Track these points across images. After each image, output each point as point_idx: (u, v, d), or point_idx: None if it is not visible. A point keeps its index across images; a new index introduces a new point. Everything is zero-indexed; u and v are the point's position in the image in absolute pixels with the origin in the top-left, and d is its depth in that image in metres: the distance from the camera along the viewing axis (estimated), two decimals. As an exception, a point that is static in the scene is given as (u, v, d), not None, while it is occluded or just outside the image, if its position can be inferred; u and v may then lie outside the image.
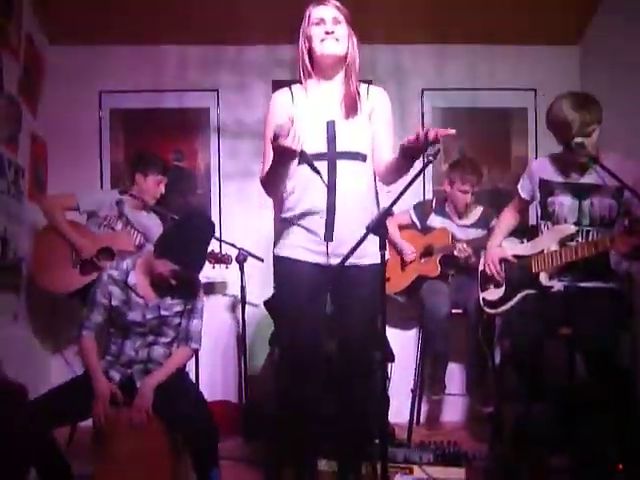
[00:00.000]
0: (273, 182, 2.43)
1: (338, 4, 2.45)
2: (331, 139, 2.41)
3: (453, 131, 2.05)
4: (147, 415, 2.59)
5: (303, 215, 2.44)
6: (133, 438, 2.57)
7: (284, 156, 2.23)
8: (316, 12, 2.44)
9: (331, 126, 2.42)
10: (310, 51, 2.46)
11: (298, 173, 2.44)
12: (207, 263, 3.74)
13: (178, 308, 2.82)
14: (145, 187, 3.68)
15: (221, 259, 3.81)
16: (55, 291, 3.53)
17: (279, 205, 2.59)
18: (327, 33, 2.40)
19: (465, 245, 3.66)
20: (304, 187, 2.44)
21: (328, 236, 2.41)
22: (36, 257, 3.57)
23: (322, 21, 2.42)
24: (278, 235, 2.57)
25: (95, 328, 2.77)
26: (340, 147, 2.41)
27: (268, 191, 2.51)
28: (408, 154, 2.20)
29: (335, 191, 2.39)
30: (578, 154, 2.80)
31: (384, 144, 2.50)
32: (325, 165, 2.39)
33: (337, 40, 2.41)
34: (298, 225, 2.46)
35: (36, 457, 2.52)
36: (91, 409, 2.58)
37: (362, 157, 2.45)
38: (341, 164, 2.40)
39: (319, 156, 2.39)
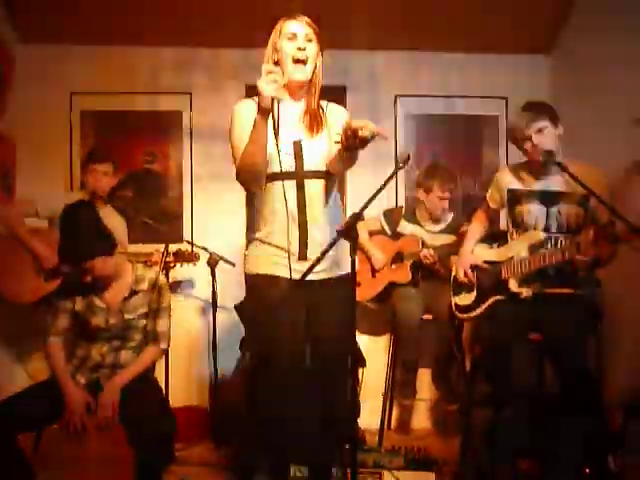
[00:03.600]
0: (253, 156, 2.32)
1: (310, 21, 2.44)
2: (299, 158, 2.42)
3: (386, 135, 2.08)
4: (113, 415, 2.56)
5: (274, 234, 2.44)
6: (98, 443, 2.54)
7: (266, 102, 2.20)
8: (289, 27, 2.42)
9: (297, 146, 2.43)
10: (277, 63, 2.42)
11: (268, 194, 2.45)
12: (175, 263, 3.75)
13: (142, 310, 2.78)
14: (92, 180, 3.61)
15: (187, 258, 3.79)
16: (20, 301, 3.44)
17: (250, 224, 2.56)
18: (299, 49, 2.39)
19: (431, 251, 3.69)
20: (274, 207, 2.43)
21: (302, 255, 2.42)
22: None
23: (294, 36, 2.41)
24: (249, 256, 2.54)
25: (62, 333, 2.74)
26: (307, 166, 2.43)
27: (247, 176, 2.39)
28: (347, 149, 2.18)
29: (305, 210, 2.41)
30: (546, 162, 2.87)
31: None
32: (294, 185, 2.41)
33: (305, 62, 2.40)
34: (269, 244, 2.46)
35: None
36: (57, 415, 2.55)
37: (327, 175, 2.46)
38: (308, 183, 2.42)
39: (287, 175, 2.40)
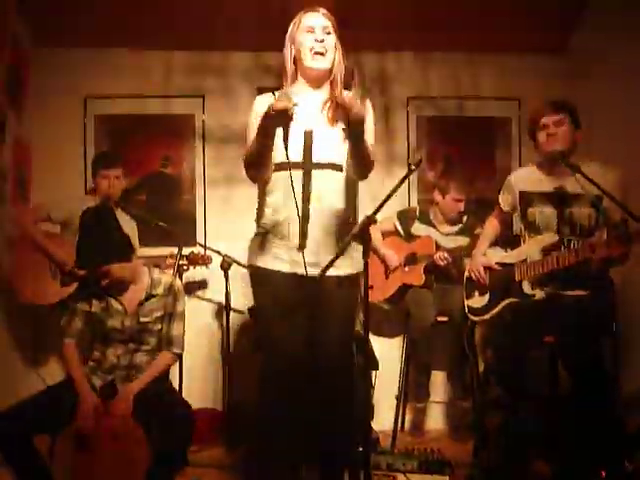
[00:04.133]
0: (256, 155, 2.38)
1: (327, 13, 2.47)
2: (307, 149, 2.42)
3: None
4: (126, 420, 2.57)
5: (278, 225, 2.46)
6: (113, 446, 2.56)
7: (274, 120, 2.24)
8: (307, 19, 2.46)
9: (308, 136, 2.43)
10: (296, 57, 2.48)
11: (275, 184, 2.46)
12: (188, 266, 3.78)
13: (158, 313, 2.80)
14: (105, 185, 3.63)
15: (199, 260, 3.80)
16: (37, 304, 3.47)
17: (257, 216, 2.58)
18: (317, 41, 2.41)
19: (445, 253, 3.68)
20: (280, 198, 2.45)
21: (301, 244, 2.42)
22: (15, 268, 3.51)
23: (312, 29, 2.44)
24: (253, 246, 2.55)
25: (77, 335, 2.76)
26: (316, 157, 2.43)
27: (250, 171, 2.45)
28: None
29: (309, 200, 2.41)
30: (556, 162, 2.86)
31: None
32: (300, 174, 2.41)
33: (324, 54, 2.43)
34: (274, 235, 2.47)
35: (18, 465, 2.49)
36: (71, 418, 2.56)
37: (338, 167, 2.46)
38: (316, 173, 2.42)
39: (294, 165, 2.38)
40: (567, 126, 2.89)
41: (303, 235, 2.41)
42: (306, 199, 2.41)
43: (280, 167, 2.43)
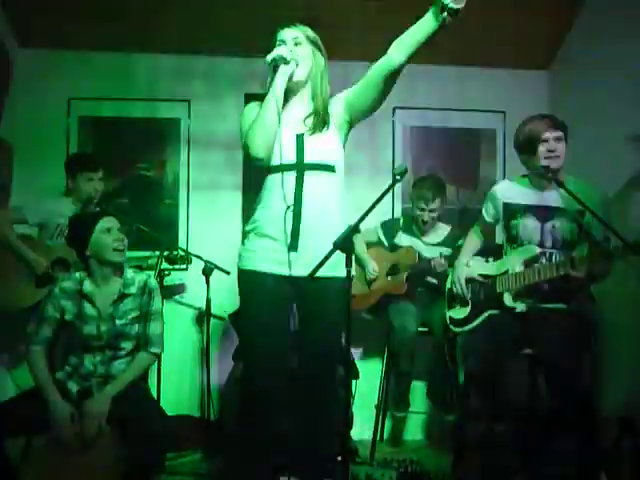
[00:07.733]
0: (266, 115, 2.40)
1: (300, 25, 2.53)
2: (299, 151, 2.44)
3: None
4: (100, 425, 2.52)
5: (268, 225, 2.45)
6: (87, 451, 2.51)
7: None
8: (279, 34, 2.53)
9: (300, 139, 2.46)
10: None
11: (267, 186, 2.47)
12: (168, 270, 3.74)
13: (133, 314, 2.74)
14: (88, 188, 3.61)
15: (178, 261, 3.76)
16: (12, 308, 3.41)
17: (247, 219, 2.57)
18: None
19: (443, 260, 3.65)
20: (271, 197, 2.46)
21: (293, 245, 2.42)
22: None
23: (283, 42, 2.50)
24: (242, 248, 2.55)
25: (44, 342, 2.70)
26: (308, 158, 2.45)
27: (259, 139, 2.41)
28: None
29: (301, 201, 2.41)
30: (543, 176, 2.88)
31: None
32: (293, 176, 2.42)
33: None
34: (263, 235, 2.47)
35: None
36: (44, 423, 2.51)
37: (330, 168, 2.48)
38: (308, 175, 2.44)
39: (288, 167, 2.43)
40: (563, 143, 2.90)
41: (295, 235, 2.42)
42: (298, 199, 2.41)
43: (273, 170, 2.46)
